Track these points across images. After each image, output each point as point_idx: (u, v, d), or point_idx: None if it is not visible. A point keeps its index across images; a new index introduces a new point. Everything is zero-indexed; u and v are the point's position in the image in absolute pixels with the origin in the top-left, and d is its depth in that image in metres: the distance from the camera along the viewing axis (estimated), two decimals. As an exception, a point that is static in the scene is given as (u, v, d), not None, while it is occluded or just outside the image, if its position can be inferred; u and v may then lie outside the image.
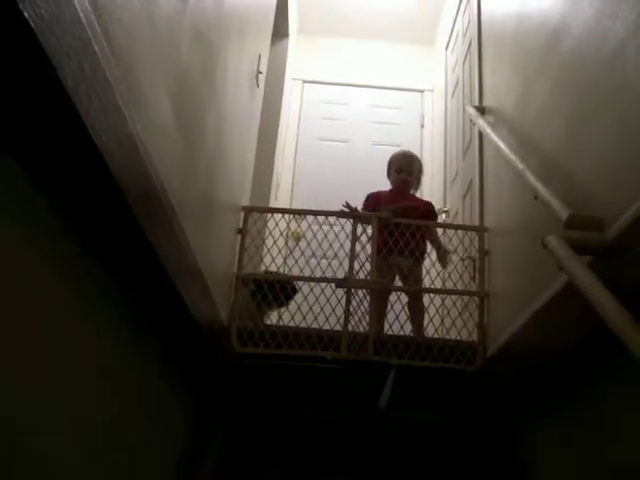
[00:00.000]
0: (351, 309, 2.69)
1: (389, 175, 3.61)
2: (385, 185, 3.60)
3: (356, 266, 2.80)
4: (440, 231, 3.26)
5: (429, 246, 3.29)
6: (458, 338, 2.74)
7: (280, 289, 2.88)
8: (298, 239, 3.67)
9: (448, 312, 2.88)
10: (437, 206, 4.43)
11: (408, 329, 3.04)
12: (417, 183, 3.63)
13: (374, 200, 3.42)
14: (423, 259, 3.22)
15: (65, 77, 0.78)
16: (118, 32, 1.08)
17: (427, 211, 3.46)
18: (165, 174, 1.40)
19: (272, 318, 3.20)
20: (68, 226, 1.14)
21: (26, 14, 0.70)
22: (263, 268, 3.24)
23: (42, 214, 1.04)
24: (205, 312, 1.99)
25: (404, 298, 3.09)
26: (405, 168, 3.53)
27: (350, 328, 2.66)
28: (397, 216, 2.99)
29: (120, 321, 1.51)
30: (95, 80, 0.89)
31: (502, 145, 2.37)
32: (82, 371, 1.31)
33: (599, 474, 1.66)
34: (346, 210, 2.99)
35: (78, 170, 1.01)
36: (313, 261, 2.89)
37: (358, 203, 3.30)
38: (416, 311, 3.11)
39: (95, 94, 0.89)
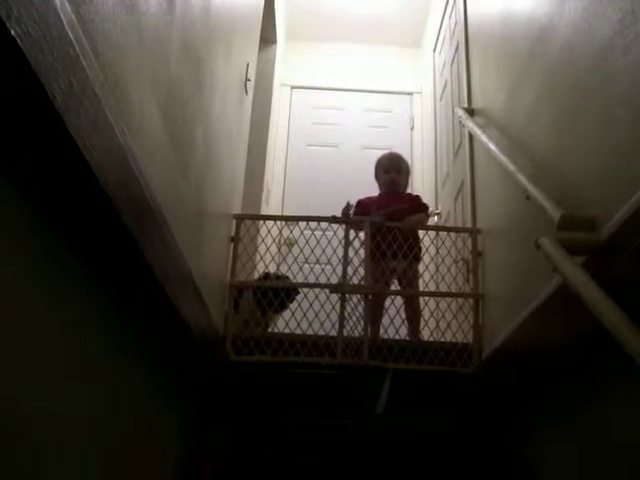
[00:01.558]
0: (345, 314, 2.69)
1: (377, 178, 3.60)
2: (375, 188, 3.60)
3: (350, 271, 2.80)
4: (433, 234, 3.25)
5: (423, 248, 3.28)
6: (454, 340, 2.74)
7: (286, 295, 2.88)
8: (291, 245, 3.67)
9: (443, 315, 2.88)
10: (429, 209, 4.43)
11: (403, 333, 3.04)
12: (406, 183, 3.62)
13: (365, 206, 3.41)
14: (418, 261, 3.21)
15: (54, 94, 0.78)
16: (106, 46, 1.08)
17: (417, 205, 3.44)
18: (156, 185, 1.39)
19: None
20: (60, 239, 1.13)
21: (13, 32, 0.69)
22: (262, 271, 3.23)
23: (32, 228, 1.03)
24: (199, 320, 1.99)
25: (399, 302, 3.09)
26: (393, 168, 3.53)
27: (345, 333, 2.65)
28: (389, 220, 2.99)
29: (113, 331, 1.51)
30: (84, 96, 0.88)
31: (492, 146, 2.37)
32: (74, 379, 1.30)
33: (603, 468, 1.66)
34: (340, 217, 2.98)
35: (69, 184, 1.00)
36: (306, 267, 2.89)
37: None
38: (411, 314, 3.10)
39: (84, 109, 0.88)
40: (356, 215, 3.32)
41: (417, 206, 3.42)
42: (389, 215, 3.06)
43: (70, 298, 1.22)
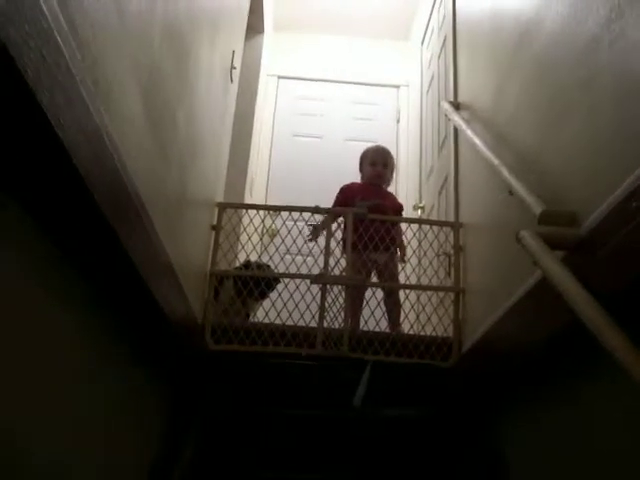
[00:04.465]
0: (326, 305, 2.68)
1: (361, 169, 3.59)
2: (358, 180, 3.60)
3: (331, 262, 2.79)
4: (415, 227, 3.25)
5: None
6: (434, 334, 2.74)
7: (266, 284, 2.87)
8: (273, 235, 3.65)
9: (423, 308, 2.88)
10: (413, 202, 4.44)
11: (384, 325, 3.04)
12: (390, 178, 3.63)
13: (348, 193, 3.41)
14: (396, 253, 3.22)
15: (25, 67, 0.76)
16: (84, 25, 1.05)
17: (398, 212, 3.47)
18: (135, 169, 1.37)
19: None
20: (33, 222, 1.11)
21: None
22: (243, 260, 3.21)
23: (3, 210, 1.01)
24: (177, 309, 1.97)
25: (379, 294, 3.08)
26: (380, 161, 3.53)
27: (325, 325, 2.65)
28: (372, 212, 2.99)
29: (90, 319, 1.49)
30: (58, 71, 0.86)
31: (477, 141, 2.37)
32: (52, 371, 1.28)
33: (575, 461, 1.67)
34: (322, 208, 2.97)
35: (41, 164, 0.98)
36: (288, 257, 2.88)
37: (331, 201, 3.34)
38: (391, 306, 3.11)
39: (58, 86, 0.86)
40: (339, 201, 3.32)
41: (397, 213, 3.45)
42: (371, 208, 3.06)
43: (45, 283, 1.20)
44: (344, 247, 2.88)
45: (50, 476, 1.30)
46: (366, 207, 3.00)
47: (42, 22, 0.80)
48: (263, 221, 3.03)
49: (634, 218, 1.13)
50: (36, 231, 1.13)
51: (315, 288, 2.74)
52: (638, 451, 1.34)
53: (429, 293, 2.94)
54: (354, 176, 3.63)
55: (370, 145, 3.74)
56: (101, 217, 1.16)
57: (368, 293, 3.03)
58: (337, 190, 3.49)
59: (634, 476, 1.36)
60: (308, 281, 2.76)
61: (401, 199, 3.81)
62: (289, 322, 2.71)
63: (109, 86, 1.22)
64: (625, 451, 1.40)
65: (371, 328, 2.84)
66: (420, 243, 3.08)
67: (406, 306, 3.00)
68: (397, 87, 5.80)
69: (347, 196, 3.38)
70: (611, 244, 1.24)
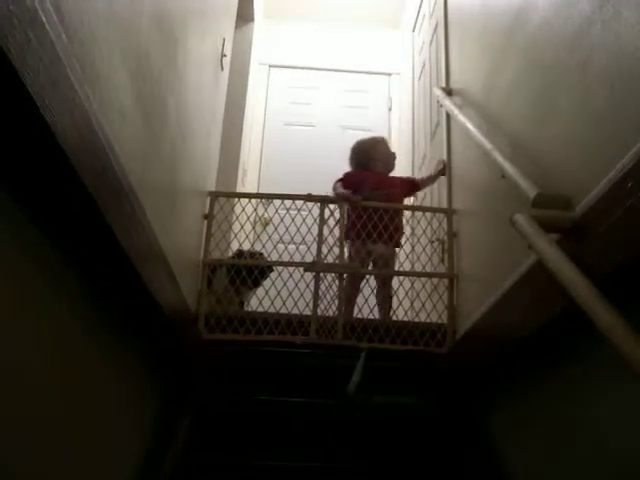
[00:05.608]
0: (320, 293, 2.68)
1: (376, 153, 3.54)
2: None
3: (324, 250, 2.78)
4: (408, 214, 3.24)
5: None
6: (428, 320, 2.74)
7: (259, 272, 2.87)
8: (265, 224, 3.64)
9: (417, 295, 2.88)
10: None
11: (378, 313, 3.04)
12: None
13: (356, 179, 3.34)
14: (399, 246, 3.18)
15: (9, 46, 0.74)
16: (71, 7, 1.03)
17: (408, 184, 3.47)
18: (124, 155, 1.35)
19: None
20: (23, 209, 1.09)
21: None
22: (236, 249, 3.20)
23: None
24: (170, 298, 1.95)
25: (374, 282, 3.08)
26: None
27: (319, 313, 2.64)
28: (380, 200, 2.99)
29: (81, 307, 1.47)
30: (43, 52, 0.84)
31: (470, 126, 2.36)
32: (41, 360, 1.27)
33: (566, 451, 1.67)
34: (315, 195, 2.95)
35: (28, 149, 0.96)
36: (281, 246, 2.87)
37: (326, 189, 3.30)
38: (383, 297, 3.09)
39: (44, 67, 0.84)
40: (346, 187, 3.25)
41: (409, 186, 3.46)
42: (380, 198, 3.05)
43: (39, 274, 1.19)
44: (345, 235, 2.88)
45: (47, 469, 1.29)
46: (379, 196, 3.03)
47: (26, 1, 0.78)
48: (255, 209, 3.02)
49: (629, 198, 1.12)
50: (29, 223, 1.11)
51: (309, 276, 2.74)
52: None
53: (423, 280, 2.94)
54: (346, 164, 3.60)
55: (364, 137, 3.71)
56: (91, 204, 1.14)
57: (362, 283, 3.02)
58: (330, 179, 3.41)
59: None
60: (301, 269, 2.75)
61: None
62: (283, 310, 2.70)
63: (96, 70, 1.20)
64: (627, 443, 1.38)
65: (365, 316, 2.84)
66: (413, 230, 3.08)
67: (400, 293, 3.00)
68: (389, 74, 5.78)
69: (354, 181, 3.30)
70: (606, 225, 1.23)
